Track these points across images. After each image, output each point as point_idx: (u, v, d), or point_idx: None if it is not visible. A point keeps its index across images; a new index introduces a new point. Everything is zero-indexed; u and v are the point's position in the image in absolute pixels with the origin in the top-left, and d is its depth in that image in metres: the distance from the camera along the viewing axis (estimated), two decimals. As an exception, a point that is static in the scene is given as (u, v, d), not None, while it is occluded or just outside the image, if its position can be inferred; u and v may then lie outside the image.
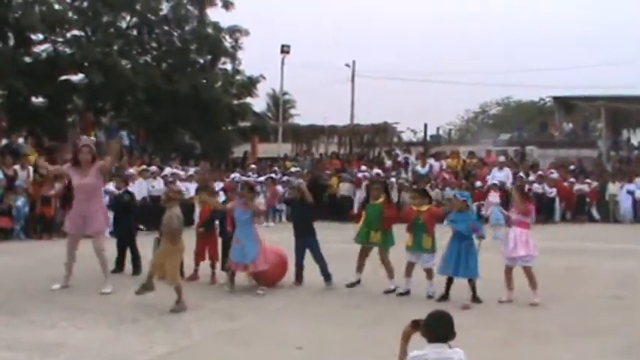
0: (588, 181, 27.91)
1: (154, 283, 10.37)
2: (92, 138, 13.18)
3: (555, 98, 46.83)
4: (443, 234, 11.45)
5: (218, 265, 12.53)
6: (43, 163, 13.28)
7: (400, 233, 11.87)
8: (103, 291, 11.24)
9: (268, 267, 11.62)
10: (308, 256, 12.29)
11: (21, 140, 23.73)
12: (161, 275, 10.29)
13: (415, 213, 11.52)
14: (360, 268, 12.30)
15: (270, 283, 11.91)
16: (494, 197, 11.32)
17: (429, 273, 11.41)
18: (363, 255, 12.28)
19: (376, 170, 28.12)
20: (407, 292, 11.45)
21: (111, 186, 16.56)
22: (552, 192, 26.40)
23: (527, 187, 23.14)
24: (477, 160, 30.42)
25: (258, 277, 11.67)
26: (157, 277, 10.34)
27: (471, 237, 11.01)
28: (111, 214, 13.59)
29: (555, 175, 27.56)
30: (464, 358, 5.04)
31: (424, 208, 11.57)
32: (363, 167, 29.11)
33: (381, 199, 12.17)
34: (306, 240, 12.21)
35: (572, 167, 30.06)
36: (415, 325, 5.23)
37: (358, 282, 12.21)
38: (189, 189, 20.43)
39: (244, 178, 23.42)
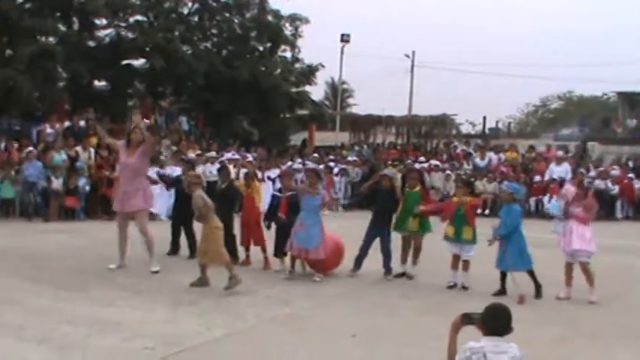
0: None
1: (208, 278, 10.48)
2: (147, 121, 13.29)
3: (619, 93, 46.04)
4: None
5: (269, 250, 12.56)
6: (102, 131, 13.38)
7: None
8: (152, 269, 11.41)
9: (324, 256, 11.66)
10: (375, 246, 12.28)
11: (83, 123, 24.09)
12: (207, 261, 10.41)
13: (457, 204, 11.49)
14: (404, 259, 12.30)
15: (326, 270, 11.96)
16: (567, 190, 11.12)
17: (465, 264, 11.41)
18: (406, 245, 12.29)
19: (434, 162, 27.95)
20: (455, 285, 11.42)
21: (177, 171, 16.73)
22: (614, 189, 25.95)
23: (586, 181, 22.89)
24: (536, 155, 30.04)
25: (315, 263, 11.72)
26: (204, 263, 10.45)
27: (518, 230, 10.90)
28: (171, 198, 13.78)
29: (617, 172, 27.07)
30: (518, 353, 5.00)
31: (467, 199, 11.52)
32: (422, 158, 28.95)
33: (417, 188, 12.25)
34: (380, 230, 12.19)
35: (630, 164, 29.44)
36: (465, 318, 5.21)
37: (404, 274, 12.20)
38: (212, 171, 20.45)
39: (301, 166, 23.53)
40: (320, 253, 11.54)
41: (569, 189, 11.29)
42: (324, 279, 11.59)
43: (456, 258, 11.47)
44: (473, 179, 25.15)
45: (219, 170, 14.94)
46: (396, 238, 12.34)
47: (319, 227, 11.61)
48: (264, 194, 16.76)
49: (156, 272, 11.37)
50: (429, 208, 12.12)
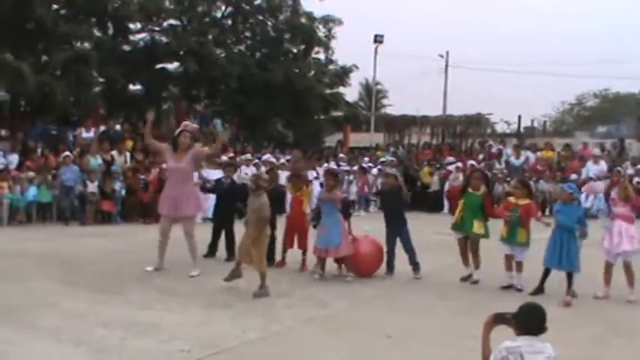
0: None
1: (241, 271, 10.50)
2: (195, 125, 13.27)
3: (657, 90, 45.55)
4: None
5: (309, 252, 12.57)
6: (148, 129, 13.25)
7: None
8: (191, 274, 11.44)
9: (351, 252, 11.70)
10: (399, 245, 12.26)
11: (118, 127, 24.31)
12: (248, 261, 10.41)
13: (513, 206, 11.38)
14: (467, 261, 12.15)
15: (368, 272, 11.99)
16: (598, 186, 11.04)
17: (519, 266, 11.29)
18: (464, 247, 12.11)
19: (471, 161, 27.77)
20: (509, 286, 11.30)
21: (216, 174, 16.79)
22: (652, 186, 25.62)
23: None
24: (569, 153, 29.78)
25: (354, 266, 11.74)
26: (245, 262, 10.47)
27: (574, 230, 10.76)
28: (213, 199, 13.86)
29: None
30: (553, 353, 4.97)
31: (523, 201, 11.41)
32: (450, 158, 28.76)
33: (481, 190, 12.07)
34: (397, 229, 12.17)
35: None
36: (498, 318, 5.18)
37: (470, 276, 12.01)
38: (247, 173, 20.45)
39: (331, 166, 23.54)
40: (340, 251, 11.60)
41: (598, 184, 11.16)
42: (359, 280, 11.61)
43: (509, 259, 11.38)
44: (508, 179, 25.08)
45: (267, 172, 15.00)
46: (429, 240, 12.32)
47: (339, 226, 11.66)
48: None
49: (195, 276, 11.40)
50: (497, 212, 11.98)
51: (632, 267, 10.77)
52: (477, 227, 11.82)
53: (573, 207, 11.04)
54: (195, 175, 13.86)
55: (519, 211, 11.25)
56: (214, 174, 17.22)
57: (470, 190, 12.14)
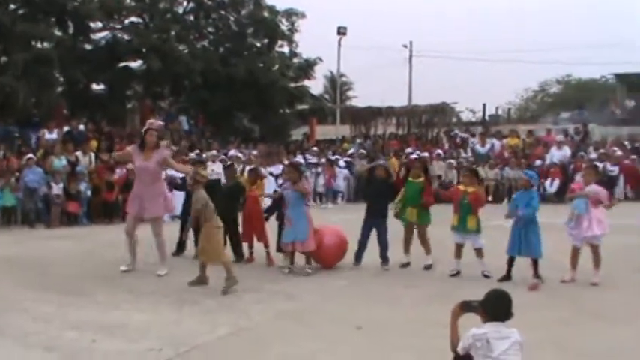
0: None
1: (207, 277, 10.46)
2: (160, 123, 13.20)
3: (617, 75, 46.00)
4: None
5: (273, 246, 12.59)
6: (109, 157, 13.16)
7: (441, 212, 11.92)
8: (159, 273, 11.40)
9: (314, 247, 11.68)
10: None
11: (82, 127, 24.11)
12: (206, 258, 10.40)
13: (462, 193, 11.50)
14: (407, 248, 12.37)
15: (330, 264, 11.99)
16: (591, 188, 11.08)
17: (479, 252, 11.42)
18: (408, 235, 12.37)
19: (438, 151, 27.89)
20: (457, 273, 11.45)
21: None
22: (614, 170, 25.92)
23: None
24: (533, 139, 30.04)
25: (317, 257, 11.75)
26: (204, 261, 10.45)
27: (534, 216, 10.91)
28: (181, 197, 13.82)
29: (619, 152, 27.04)
30: (519, 338, 5.04)
31: (471, 189, 11.52)
32: (409, 149, 28.77)
33: (421, 179, 12.27)
34: (376, 220, 12.18)
35: (636, 145, 29.40)
36: (464, 305, 5.25)
37: (409, 263, 12.25)
38: (214, 169, 20.42)
39: (302, 160, 23.58)
40: (306, 245, 11.59)
41: (599, 190, 11.23)
42: (327, 271, 11.69)
43: (459, 247, 11.50)
44: (474, 166, 25.24)
45: (225, 169, 14.94)
46: (398, 229, 12.39)
47: (305, 219, 11.65)
48: (267, 191, 16.85)
49: (163, 275, 11.37)
50: (430, 197, 12.16)
51: (598, 250, 10.90)
52: (410, 214, 12.16)
53: (529, 193, 11.18)
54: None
55: (468, 198, 11.35)
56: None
57: (410, 179, 12.32)
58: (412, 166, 12.81)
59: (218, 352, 7.41)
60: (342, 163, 26.69)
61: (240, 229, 12.85)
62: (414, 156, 26.24)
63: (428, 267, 12.03)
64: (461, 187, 11.79)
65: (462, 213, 11.39)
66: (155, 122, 12.49)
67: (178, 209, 14.24)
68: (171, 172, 14.79)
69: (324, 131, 37.54)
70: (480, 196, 11.74)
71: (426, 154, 26.08)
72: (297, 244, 11.60)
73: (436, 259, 12.15)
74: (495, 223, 12.30)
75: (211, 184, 12.60)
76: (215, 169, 20.45)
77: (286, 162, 22.81)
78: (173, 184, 14.86)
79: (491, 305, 5.10)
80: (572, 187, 11.91)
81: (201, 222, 10.53)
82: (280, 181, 20.87)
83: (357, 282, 11.13)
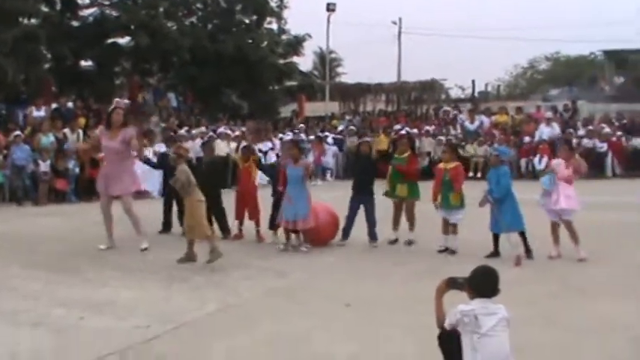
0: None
1: (195, 253, 10.39)
2: (126, 101, 13.16)
3: (606, 52, 46.00)
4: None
5: (264, 223, 12.59)
6: (82, 146, 13.20)
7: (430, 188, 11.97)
8: (142, 247, 11.42)
9: (314, 224, 11.66)
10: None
11: (70, 104, 23.98)
12: (193, 235, 10.37)
13: (443, 171, 11.54)
14: (395, 225, 12.39)
15: (323, 241, 12.00)
16: (557, 165, 11.14)
17: (454, 228, 11.48)
18: (398, 211, 12.39)
19: (427, 127, 27.85)
20: (446, 249, 11.48)
21: (163, 147, 16.76)
22: (603, 147, 25.99)
23: (575, 141, 22.98)
24: (524, 116, 30.05)
25: (310, 235, 11.75)
26: (192, 239, 10.42)
27: (511, 191, 11.03)
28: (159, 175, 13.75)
29: (607, 129, 27.09)
30: (506, 314, 5.05)
31: (451, 165, 11.56)
32: (397, 126, 28.69)
33: (407, 154, 12.29)
34: (363, 197, 12.18)
35: (624, 122, 29.46)
36: (450, 282, 5.26)
37: (397, 240, 12.29)
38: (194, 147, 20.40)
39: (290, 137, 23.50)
40: (307, 223, 11.57)
41: (560, 164, 11.28)
42: (316, 249, 11.66)
43: (446, 222, 11.54)
44: (463, 143, 25.27)
45: (202, 145, 14.91)
46: (388, 206, 12.40)
47: (305, 197, 11.63)
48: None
49: (145, 249, 11.38)
50: (412, 166, 12.24)
51: (572, 225, 10.95)
52: (400, 190, 12.17)
53: (502, 168, 11.29)
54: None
55: (449, 175, 11.38)
56: (163, 147, 17.23)
57: (396, 154, 12.36)
58: (399, 142, 12.82)
59: (207, 328, 7.41)
60: (330, 139, 26.65)
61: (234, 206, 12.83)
62: (402, 132, 26.32)
63: (410, 243, 12.10)
64: (441, 165, 11.83)
65: (445, 189, 11.44)
66: (121, 101, 12.54)
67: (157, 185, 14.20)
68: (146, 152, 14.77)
69: (313, 108, 37.44)
70: (459, 171, 11.77)
71: (415, 131, 26.07)
72: (299, 222, 11.57)
73: (424, 236, 12.17)
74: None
75: (198, 161, 12.59)
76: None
77: (275, 139, 22.88)
78: (151, 163, 14.84)
79: (478, 282, 5.11)
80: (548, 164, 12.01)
81: (184, 197, 10.49)
82: (270, 158, 20.96)
83: (345, 259, 11.16)
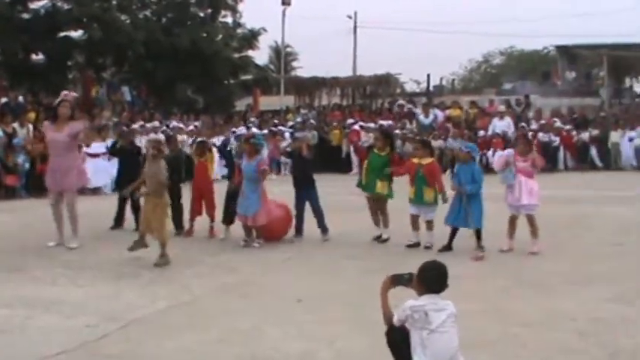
0: (590, 129, 27.84)
1: (146, 241, 10.30)
2: (74, 94, 12.97)
3: (558, 47, 46.46)
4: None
5: (218, 218, 12.51)
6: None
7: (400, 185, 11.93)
8: (71, 246, 11.25)
9: (267, 221, 11.60)
10: (308, 208, 12.29)
11: (20, 98, 23.62)
12: (149, 232, 10.26)
13: (417, 166, 11.49)
14: (377, 220, 12.22)
15: (277, 237, 11.97)
16: (509, 155, 11.22)
17: (429, 224, 11.43)
18: (374, 206, 12.18)
19: (381, 122, 27.87)
20: (417, 244, 11.44)
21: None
22: (556, 141, 26.32)
23: (531, 135, 23.18)
24: (478, 110, 30.27)
25: (262, 230, 11.68)
26: (147, 233, 10.30)
27: (475, 188, 11.00)
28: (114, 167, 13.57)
29: (559, 123, 27.43)
30: (454, 310, 5.06)
31: (426, 161, 11.53)
32: (351, 120, 28.72)
33: (386, 151, 12.13)
34: (305, 192, 12.15)
35: (575, 116, 29.86)
36: (395, 279, 5.24)
37: (381, 235, 12.11)
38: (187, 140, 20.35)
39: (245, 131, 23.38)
40: (258, 219, 11.49)
41: (512, 154, 11.36)
42: (270, 244, 11.60)
43: (415, 218, 11.49)
44: (417, 137, 25.31)
45: (166, 139, 14.75)
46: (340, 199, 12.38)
47: (258, 193, 11.53)
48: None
49: (74, 248, 11.17)
50: (400, 170, 12.03)
51: (534, 220, 11.02)
52: (380, 187, 11.94)
53: (471, 166, 11.26)
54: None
55: (423, 171, 11.36)
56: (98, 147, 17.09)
57: (375, 150, 12.23)
58: (375, 138, 12.72)
59: (157, 326, 7.31)
60: (286, 134, 26.58)
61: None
62: (355, 126, 26.39)
63: (384, 240, 11.92)
64: (415, 160, 11.74)
65: (418, 185, 11.39)
66: (69, 94, 12.31)
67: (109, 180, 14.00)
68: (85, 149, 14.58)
69: (268, 102, 37.30)
70: (435, 167, 11.77)
71: (372, 125, 26.14)
72: (249, 218, 11.50)
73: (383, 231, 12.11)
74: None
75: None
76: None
77: (229, 133, 22.71)
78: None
79: (427, 277, 5.09)
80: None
81: (153, 196, 10.35)
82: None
83: (298, 254, 11.12)
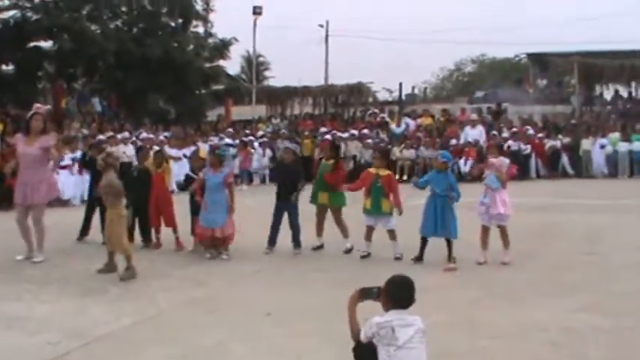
0: (560, 137, 27.92)
1: (116, 264, 10.16)
2: (47, 106, 12.80)
3: (530, 55, 46.68)
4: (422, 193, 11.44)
5: (185, 229, 12.34)
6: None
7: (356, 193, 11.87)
8: (35, 260, 11.04)
9: (232, 232, 11.51)
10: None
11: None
12: (110, 246, 10.12)
13: (374, 176, 11.40)
14: (319, 231, 12.22)
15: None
16: (501, 161, 11.22)
17: (391, 234, 11.37)
18: (320, 217, 12.21)
19: (352, 131, 27.77)
20: (368, 255, 11.41)
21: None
22: (527, 149, 26.37)
23: (504, 144, 23.30)
24: (445, 119, 30.34)
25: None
26: (113, 252, 10.16)
27: (458, 197, 10.97)
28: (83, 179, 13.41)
29: (531, 131, 27.50)
30: (422, 326, 4.95)
31: (384, 172, 11.47)
32: (323, 128, 28.65)
33: (332, 160, 12.10)
34: (286, 204, 11.95)
35: (547, 123, 29.97)
36: (363, 293, 5.13)
37: (322, 246, 12.13)
38: (126, 152, 20.15)
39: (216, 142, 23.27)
40: (225, 230, 11.39)
41: (504, 160, 11.35)
42: (239, 256, 11.44)
43: (370, 229, 11.42)
44: (390, 146, 25.31)
45: (137, 151, 14.60)
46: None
47: (224, 205, 11.42)
48: (179, 172, 16.75)
49: (39, 262, 10.96)
50: (353, 186, 11.89)
51: (506, 230, 10.97)
52: (321, 197, 12.03)
53: (446, 174, 11.18)
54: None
55: (381, 181, 11.29)
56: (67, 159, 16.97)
57: (323, 160, 12.22)
58: (322, 148, 12.71)
59: (121, 342, 7.17)
60: (256, 144, 26.43)
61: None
62: (328, 136, 26.30)
63: (348, 251, 11.83)
64: (372, 170, 11.64)
65: (375, 196, 11.30)
66: (42, 106, 12.15)
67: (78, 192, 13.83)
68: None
69: (240, 112, 37.19)
70: (392, 178, 11.69)
71: (343, 135, 26.08)
72: (217, 230, 11.36)
73: (352, 242, 11.98)
74: (410, 203, 12.15)
75: (123, 167, 12.28)
76: (127, 152, 20.13)
77: (200, 143, 22.54)
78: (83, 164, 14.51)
79: (393, 292, 4.99)
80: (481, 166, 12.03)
81: (107, 207, 10.23)
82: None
83: (267, 267, 10.97)
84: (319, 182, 12.11)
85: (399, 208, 11.27)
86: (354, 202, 11.94)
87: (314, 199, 12.15)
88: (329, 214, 12.19)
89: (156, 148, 14.92)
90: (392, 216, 11.33)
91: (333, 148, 12.75)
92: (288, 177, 12.17)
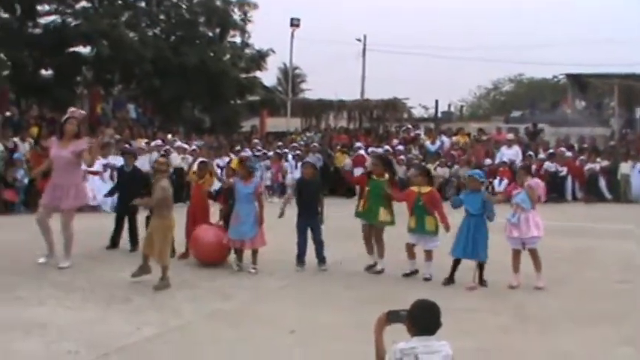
0: (599, 160, 27.38)
1: (150, 266, 10.10)
2: (82, 112, 12.75)
3: (569, 75, 46.27)
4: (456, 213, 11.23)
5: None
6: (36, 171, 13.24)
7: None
8: (61, 265, 10.98)
9: (262, 244, 11.41)
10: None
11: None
12: (150, 252, 10.00)
13: (416, 194, 11.20)
14: (370, 248, 11.82)
15: (210, 262, 11.68)
16: (537, 184, 11.01)
17: (428, 255, 11.12)
18: (368, 235, 11.78)
19: (386, 146, 27.60)
20: (414, 272, 11.20)
21: (119, 161, 16.39)
22: (563, 171, 25.95)
23: (534, 166, 22.93)
24: (473, 138, 30.05)
25: (198, 254, 11.63)
26: (147, 254, 10.07)
27: (483, 217, 10.72)
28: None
29: (568, 153, 27.09)
30: (450, 352, 4.72)
31: (425, 189, 11.25)
32: (358, 143, 28.49)
33: (385, 177, 11.72)
34: (309, 219, 11.72)
35: (585, 146, 29.52)
36: (391, 316, 4.92)
37: (375, 264, 11.71)
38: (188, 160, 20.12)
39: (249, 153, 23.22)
40: (255, 243, 11.29)
41: (539, 182, 11.15)
42: (267, 271, 11.25)
43: (411, 247, 11.20)
44: (423, 163, 25.04)
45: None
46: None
47: (253, 217, 11.29)
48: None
49: (64, 268, 10.91)
50: (401, 196, 11.63)
51: (537, 253, 10.71)
52: (383, 215, 11.52)
53: (480, 194, 10.95)
54: (100, 163, 13.42)
55: (423, 199, 11.08)
56: (119, 160, 16.83)
57: (374, 176, 11.84)
58: (372, 164, 12.41)
59: (140, 355, 7.06)
60: (290, 156, 26.33)
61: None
62: (361, 151, 26.10)
63: (379, 272, 11.52)
64: (414, 189, 11.41)
65: (419, 214, 11.10)
66: (77, 111, 12.11)
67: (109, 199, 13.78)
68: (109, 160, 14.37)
69: (275, 123, 37.25)
70: (434, 195, 11.45)
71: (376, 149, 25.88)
72: (247, 242, 11.26)
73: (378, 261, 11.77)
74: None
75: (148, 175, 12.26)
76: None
77: (232, 154, 22.49)
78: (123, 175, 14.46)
79: (418, 317, 4.78)
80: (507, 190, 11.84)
81: (156, 216, 10.13)
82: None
83: (294, 283, 10.80)
84: (375, 199, 11.59)
85: (446, 225, 11.07)
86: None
87: (371, 216, 11.66)
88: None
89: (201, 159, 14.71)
90: (436, 236, 11.11)
91: (386, 163, 12.32)
92: (309, 196, 11.93)
